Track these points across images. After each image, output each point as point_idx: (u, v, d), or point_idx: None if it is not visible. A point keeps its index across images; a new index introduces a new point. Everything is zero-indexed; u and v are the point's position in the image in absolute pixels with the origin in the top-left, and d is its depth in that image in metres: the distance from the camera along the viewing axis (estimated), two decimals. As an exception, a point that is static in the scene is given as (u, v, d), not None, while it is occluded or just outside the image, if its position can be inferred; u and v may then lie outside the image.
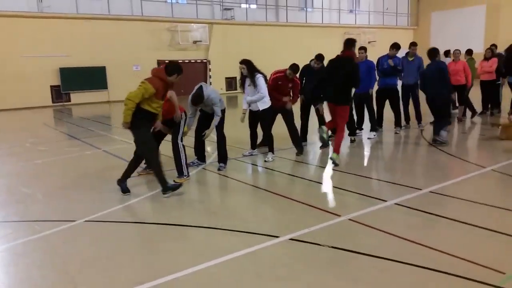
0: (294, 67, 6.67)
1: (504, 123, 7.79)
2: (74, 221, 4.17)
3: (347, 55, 6.16)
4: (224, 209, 4.54)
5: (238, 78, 6.61)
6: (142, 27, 21.45)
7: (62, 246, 3.64)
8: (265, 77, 6.40)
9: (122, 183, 5.12)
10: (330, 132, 6.69)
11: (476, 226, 3.65)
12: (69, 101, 19.99)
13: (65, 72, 19.43)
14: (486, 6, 29.05)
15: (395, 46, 8.18)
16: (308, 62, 7.51)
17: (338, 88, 6.05)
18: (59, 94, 19.63)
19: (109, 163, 6.97)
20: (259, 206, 4.59)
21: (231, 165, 6.32)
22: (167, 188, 4.91)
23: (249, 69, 6.26)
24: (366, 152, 7.25)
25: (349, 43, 6.21)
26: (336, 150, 6.10)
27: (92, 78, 20.17)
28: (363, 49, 8.08)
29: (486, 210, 4.09)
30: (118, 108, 17.99)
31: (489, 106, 10.65)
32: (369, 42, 29.25)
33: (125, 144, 8.52)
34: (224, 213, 4.37)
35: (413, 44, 8.64)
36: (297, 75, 6.86)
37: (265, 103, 6.40)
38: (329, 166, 6.12)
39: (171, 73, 4.99)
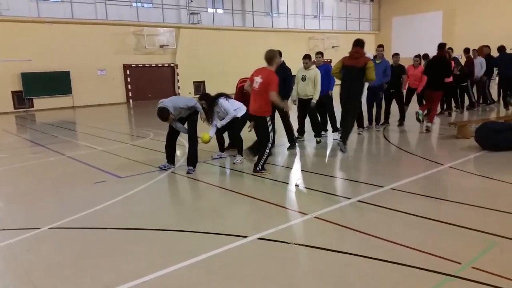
0: None
1: (460, 122, 8.20)
2: (38, 228, 4.08)
3: (441, 54, 8.60)
4: (193, 212, 4.56)
5: (201, 113, 6.35)
6: (107, 31, 21.07)
7: (25, 255, 3.55)
8: (224, 95, 6.61)
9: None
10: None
11: (434, 220, 3.83)
12: (32, 107, 19.38)
13: (27, 77, 18.83)
14: (443, 12, 30.43)
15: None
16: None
17: (435, 79, 8.40)
18: (21, 100, 18.99)
19: (73, 169, 6.82)
20: (227, 208, 4.63)
21: (200, 168, 6.34)
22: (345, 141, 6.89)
23: (209, 103, 6.44)
24: (331, 152, 7.44)
25: (442, 46, 8.71)
26: (431, 120, 8.67)
27: (55, 83, 19.63)
28: (320, 54, 8.32)
29: (444, 204, 4.31)
30: (83, 113, 17.61)
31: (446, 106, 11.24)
32: (333, 47, 29.95)
33: (90, 150, 8.37)
34: (192, 216, 4.39)
35: (379, 46, 8.95)
36: None
37: (241, 110, 6.51)
38: (296, 166, 6.27)
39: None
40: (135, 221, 4.22)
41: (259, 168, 5.82)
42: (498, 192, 4.70)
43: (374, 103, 9.06)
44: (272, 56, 5.70)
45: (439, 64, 8.44)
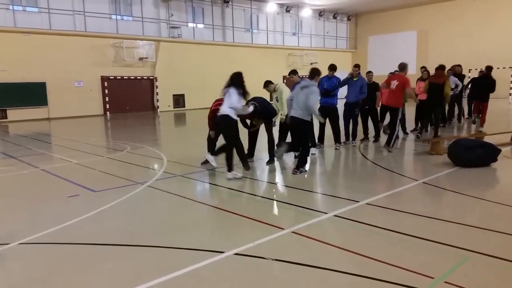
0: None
1: (433, 139, 8.42)
2: (7, 244, 3.94)
3: (486, 74, 11.17)
4: (168, 227, 4.49)
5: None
6: (85, 43, 20.87)
7: (-8, 271, 3.42)
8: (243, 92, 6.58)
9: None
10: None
11: (408, 234, 3.89)
12: (6, 118, 18.89)
13: (1, 88, 18.43)
14: (417, 31, 31.48)
15: (331, 68, 8.71)
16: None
17: (481, 93, 11.08)
18: (-6, 110, 18.53)
19: (46, 182, 6.65)
20: (204, 223, 4.59)
21: (177, 183, 6.29)
22: None
23: (232, 81, 6.49)
24: (308, 167, 7.49)
25: (489, 67, 11.16)
26: (482, 125, 11.13)
27: (31, 94, 19.25)
28: (294, 73, 8.17)
29: (417, 219, 4.38)
30: (59, 125, 17.25)
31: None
32: (311, 64, 30.44)
33: (64, 163, 8.19)
34: (168, 231, 4.32)
35: (356, 66, 9.15)
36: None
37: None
38: (279, 181, 6.28)
39: None
40: (108, 237, 4.13)
41: (391, 145, 8.27)
42: (470, 208, 4.83)
43: (351, 119, 9.21)
44: (404, 66, 8.61)
45: (485, 81, 11.15)
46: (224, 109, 6.36)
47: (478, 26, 28.25)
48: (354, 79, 8.96)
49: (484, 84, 11.10)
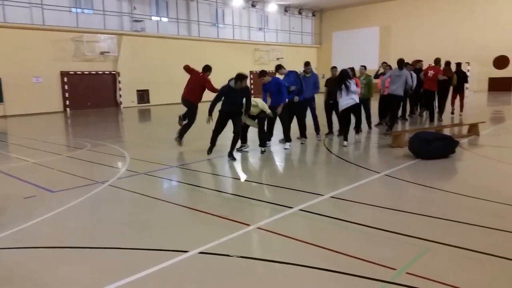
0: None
1: (394, 132, 8.63)
2: (-45, 250, 3.70)
3: (459, 70, 13.14)
4: (130, 227, 4.34)
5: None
6: (44, 37, 20.01)
7: None
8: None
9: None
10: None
11: (371, 227, 3.95)
12: (-45, 116, 17.89)
13: (-51, 84, 17.37)
14: (379, 27, 32.24)
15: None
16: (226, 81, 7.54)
17: (458, 85, 13.11)
18: None
19: (1, 183, 6.32)
20: (168, 222, 4.48)
21: (140, 181, 6.13)
22: None
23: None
24: (274, 162, 7.51)
25: (458, 64, 13.26)
26: (462, 110, 13.59)
27: (-16, 90, 18.27)
28: (263, 74, 8.28)
29: (380, 211, 4.46)
30: (16, 123, 16.47)
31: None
32: (277, 59, 30.61)
33: (20, 162, 7.82)
34: (129, 231, 4.18)
35: (306, 64, 9.26)
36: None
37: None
38: (243, 177, 6.24)
39: None
40: (67, 239, 3.96)
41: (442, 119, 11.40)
42: (430, 199, 4.97)
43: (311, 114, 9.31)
44: (439, 60, 12.00)
45: (461, 75, 13.19)
46: (355, 98, 8.33)
47: (438, 22, 29.25)
48: (307, 76, 9.09)
49: (460, 78, 13.21)
